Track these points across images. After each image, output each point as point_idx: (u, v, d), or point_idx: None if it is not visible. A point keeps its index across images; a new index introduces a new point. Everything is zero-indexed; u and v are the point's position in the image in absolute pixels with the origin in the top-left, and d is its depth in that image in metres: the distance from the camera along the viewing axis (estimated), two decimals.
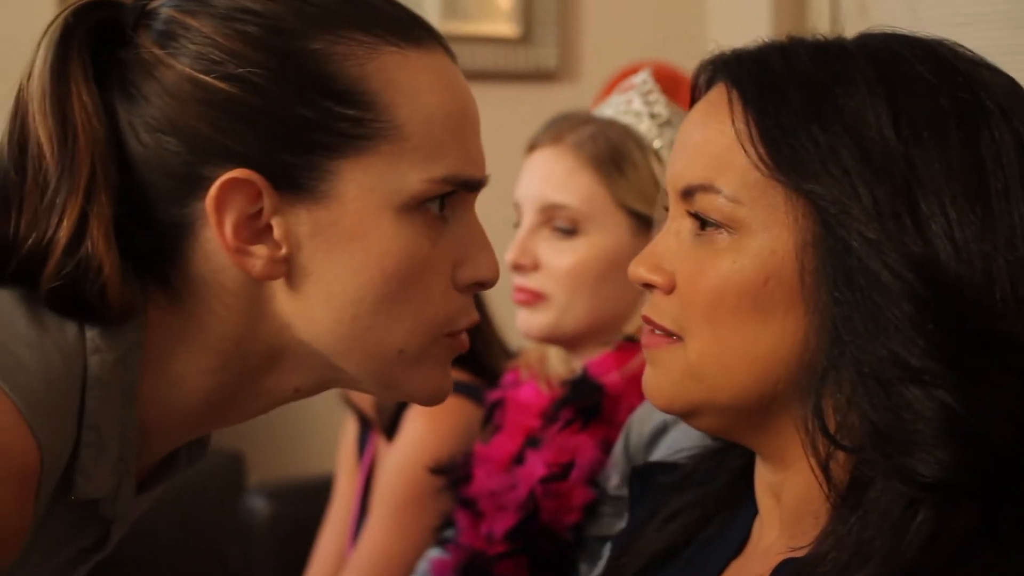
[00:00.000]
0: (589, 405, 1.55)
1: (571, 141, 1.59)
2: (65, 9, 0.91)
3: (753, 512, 1.00)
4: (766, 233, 0.90)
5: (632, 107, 1.64)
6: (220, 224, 0.89)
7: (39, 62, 0.90)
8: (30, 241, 0.88)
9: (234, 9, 0.90)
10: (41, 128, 0.89)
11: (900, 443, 0.85)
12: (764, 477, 0.97)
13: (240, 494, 2.69)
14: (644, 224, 1.59)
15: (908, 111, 0.88)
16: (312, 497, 2.42)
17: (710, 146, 0.93)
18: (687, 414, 0.96)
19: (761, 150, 0.90)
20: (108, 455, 0.88)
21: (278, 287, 0.91)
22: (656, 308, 0.96)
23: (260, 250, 0.90)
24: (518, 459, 1.61)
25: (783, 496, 0.95)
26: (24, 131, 0.90)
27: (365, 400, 2.05)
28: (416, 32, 0.93)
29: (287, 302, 0.91)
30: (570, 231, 1.58)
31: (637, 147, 1.60)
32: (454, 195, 0.93)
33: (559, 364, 1.66)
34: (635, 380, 1.55)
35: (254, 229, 0.90)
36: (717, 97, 0.94)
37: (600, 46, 3.11)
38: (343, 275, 0.90)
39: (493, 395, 1.71)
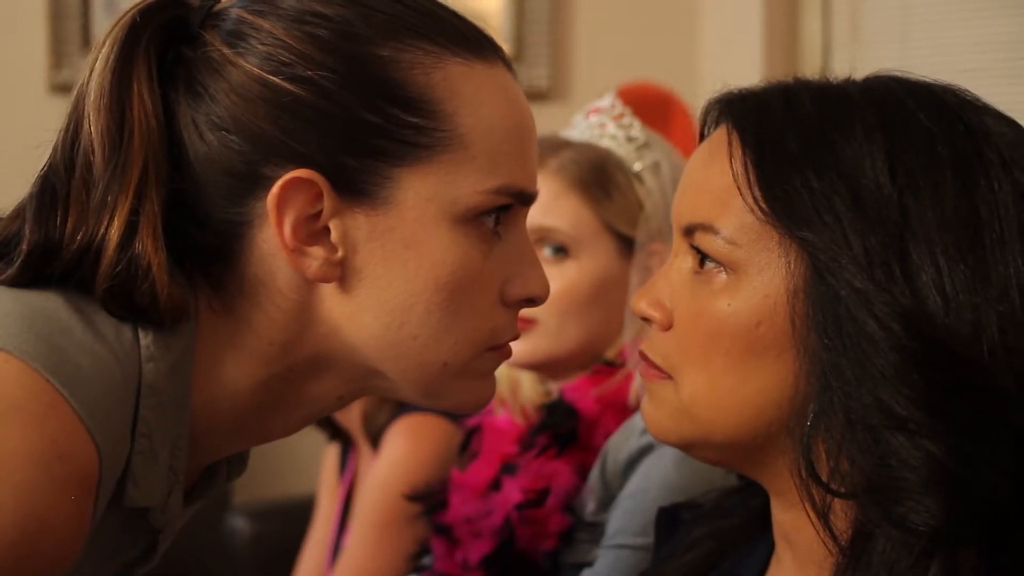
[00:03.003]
0: (565, 431, 1.54)
1: (554, 165, 1.58)
2: (133, 7, 0.92)
3: (770, 548, 1.00)
4: (760, 276, 0.90)
5: (607, 131, 1.63)
6: (280, 223, 0.89)
7: (100, 60, 0.90)
8: (79, 238, 0.88)
9: (304, 12, 0.91)
10: (95, 125, 0.89)
11: (890, 490, 0.85)
12: (776, 515, 0.98)
13: (224, 514, 2.68)
14: (628, 246, 1.57)
15: (905, 159, 0.88)
16: (294, 517, 2.41)
17: (711, 186, 0.93)
18: (683, 447, 0.97)
19: (757, 194, 0.90)
20: (159, 463, 0.89)
21: (330, 291, 0.91)
22: (652, 344, 0.96)
23: (317, 251, 0.90)
24: (495, 485, 1.59)
25: (793, 537, 0.95)
26: (78, 128, 0.90)
27: (351, 414, 2.04)
28: (481, 46, 0.94)
29: (337, 306, 0.92)
30: (561, 255, 1.57)
31: (619, 170, 1.60)
32: (508, 210, 0.94)
33: (532, 390, 1.65)
34: (611, 404, 1.55)
35: (311, 230, 0.90)
36: (720, 138, 0.95)
37: (592, 66, 3.11)
38: (395, 282, 0.91)
39: (470, 421, 1.70)
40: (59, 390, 0.82)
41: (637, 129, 1.62)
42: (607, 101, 1.66)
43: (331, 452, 2.20)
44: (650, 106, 1.81)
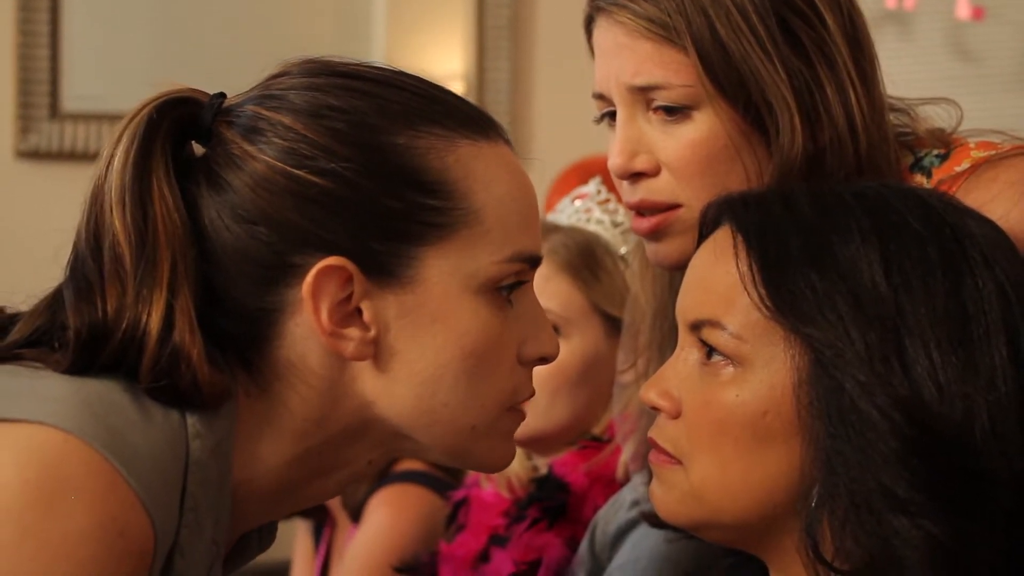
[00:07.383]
0: (555, 504, 1.59)
1: (544, 248, 1.63)
2: (148, 103, 0.96)
3: None
4: (766, 369, 0.97)
5: (593, 215, 1.71)
6: (316, 309, 0.94)
7: (120, 156, 0.94)
8: (123, 324, 0.92)
9: (319, 106, 0.96)
10: (119, 220, 0.93)
11: (893, 568, 0.91)
12: None
13: None
14: (616, 326, 1.62)
15: (898, 260, 0.96)
16: None
17: (717, 285, 1.00)
18: (692, 528, 1.02)
19: (763, 292, 0.97)
20: (203, 536, 0.92)
21: (363, 367, 0.96)
22: (661, 431, 1.02)
23: (352, 332, 0.95)
24: (483, 557, 1.63)
25: None
26: (100, 222, 0.94)
27: None
28: (485, 126, 1.00)
29: (371, 380, 0.96)
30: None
31: (607, 253, 1.67)
32: (521, 275, 0.99)
33: (518, 465, 1.69)
34: (600, 479, 1.60)
35: (344, 313, 0.95)
36: (724, 239, 1.01)
37: (550, 140, 3.19)
38: (426, 354, 0.96)
39: (457, 495, 1.75)
40: (117, 469, 0.86)
41: (622, 214, 1.69)
42: (592, 187, 1.73)
43: (304, 522, 2.22)
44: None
